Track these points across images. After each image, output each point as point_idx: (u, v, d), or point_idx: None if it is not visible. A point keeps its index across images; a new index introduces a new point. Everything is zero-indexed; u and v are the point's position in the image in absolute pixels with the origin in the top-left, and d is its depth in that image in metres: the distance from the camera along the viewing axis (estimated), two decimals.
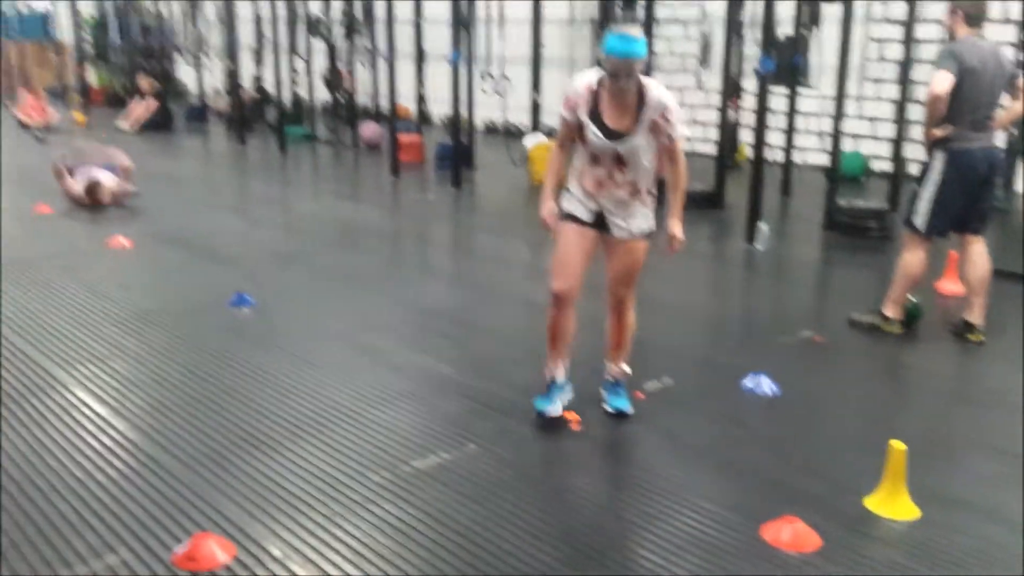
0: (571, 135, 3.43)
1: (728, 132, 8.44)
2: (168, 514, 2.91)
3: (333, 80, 13.13)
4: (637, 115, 3.29)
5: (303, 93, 13.47)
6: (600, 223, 3.48)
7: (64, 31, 19.53)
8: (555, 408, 3.63)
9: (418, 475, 3.21)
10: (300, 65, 13.19)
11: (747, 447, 3.52)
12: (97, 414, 3.68)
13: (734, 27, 8.08)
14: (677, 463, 3.36)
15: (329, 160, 11.68)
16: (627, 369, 3.76)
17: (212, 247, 6.68)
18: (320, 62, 13.15)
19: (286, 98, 13.22)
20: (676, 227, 3.51)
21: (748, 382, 4.05)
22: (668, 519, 2.93)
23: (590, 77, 3.36)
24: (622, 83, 3.22)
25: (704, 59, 10.53)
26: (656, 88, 3.31)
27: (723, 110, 8.05)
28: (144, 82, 15.43)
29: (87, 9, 18.59)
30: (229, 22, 12.57)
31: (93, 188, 7.85)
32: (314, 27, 12.95)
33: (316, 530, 2.84)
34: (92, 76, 18.58)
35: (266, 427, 3.57)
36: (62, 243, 6.74)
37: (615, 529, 2.91)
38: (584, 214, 3.49)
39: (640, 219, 3.47)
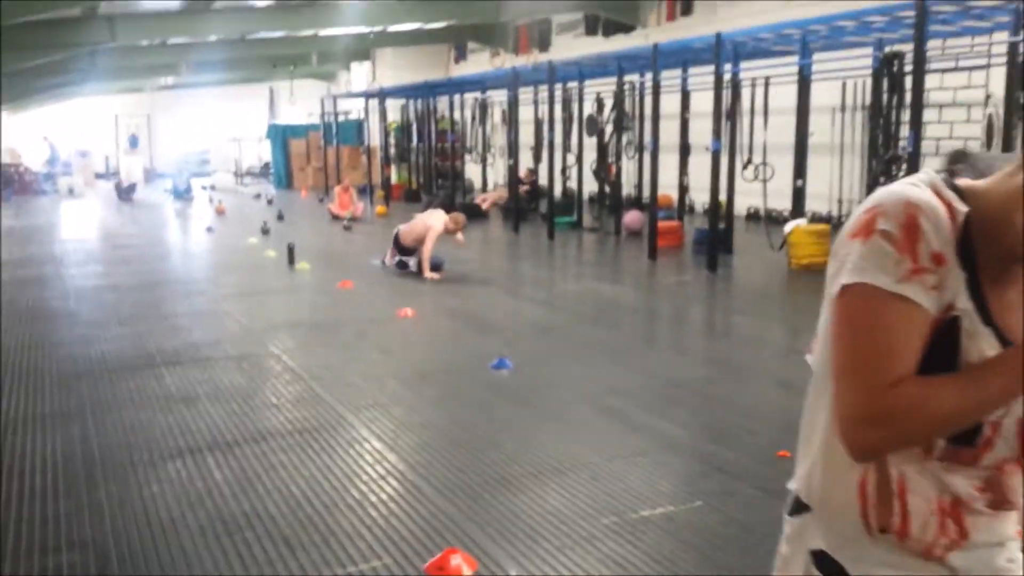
0: (918, 351, 1.16)
1: None
2: (425, 532, 3.37)
3: (601, 172, 13.91)
4: None
5: (572, 185, 14.37)
6: None
7: (373, 136, 22.36)
8: None
9: (644, 522, 3.43)
10: (571, 160, 14.13)
11: None
12: (375, 448, 4.29)
13: (1014, 108, 7.67)
14: None
15: (593, 246, 12.33)
16: None
17: (481, 319, 7.39)
18: (589, 156, 14.01)
19: (557, 191, 14.17)
20: None
21: None
22: None
23: (942, 198, 1.18)
24: None
25: (989, 142, 9.98)
26: None
27: None
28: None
29: (392, 115, 21.23)
30: (513, 123, 13.83)
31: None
32: (591, 125, 13.88)
33: (548, 558, 3.15)
34: (393, 174, 21.04)
35: (512, 470, 3.97)
36: (359, 312, 7.77)
37: None
38: None
39: None
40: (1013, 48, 7.65)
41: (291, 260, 10.45)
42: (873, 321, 1.14)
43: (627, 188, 13.96)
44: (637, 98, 13.65)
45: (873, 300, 1.14)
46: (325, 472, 4.00)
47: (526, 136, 15.12)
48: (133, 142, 30.40)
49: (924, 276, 1.13)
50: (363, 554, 3.21)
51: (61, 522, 3.51)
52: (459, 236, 9.66)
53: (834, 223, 11.66)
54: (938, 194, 1.18)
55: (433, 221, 9.42)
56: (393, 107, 21.40)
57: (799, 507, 1.34)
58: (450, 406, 4.97)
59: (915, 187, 1.18)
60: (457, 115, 18.88)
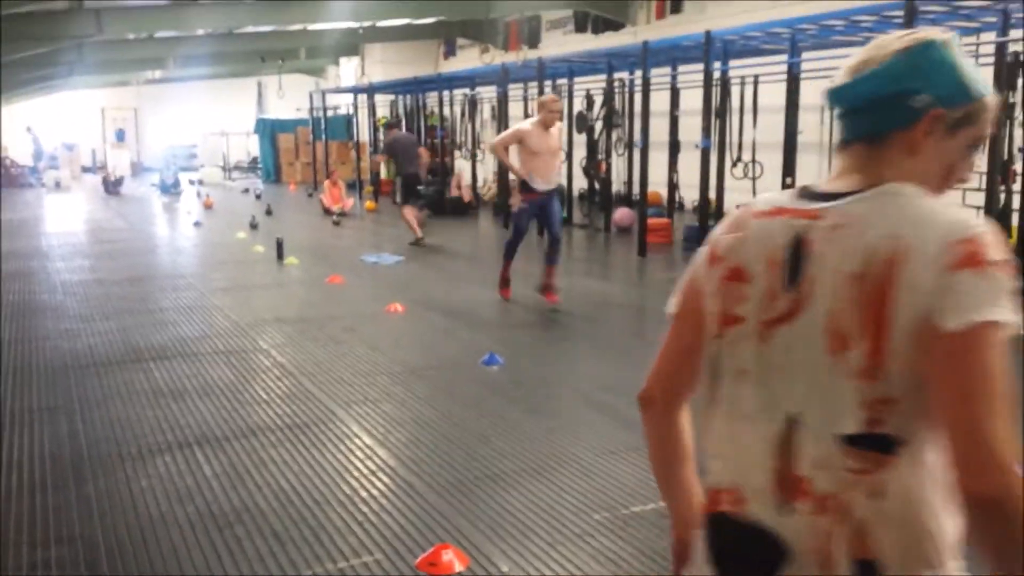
0: None
1: (996, 215, 7.96)
2: (416, 528, 3.37)
3: (591, 169, 13.91)
4: None
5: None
6: None
7: (363, 131, 22.26)
8: None
9: (636, 517, 3.43)
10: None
11: None
12: (366, 444, 4.29)
13: (1003, 108, 7.72)
14: None
15: (582, 242, 12.32)
16: None
17: (470, 314, 7.39)
18: (579, 153, 14.01)
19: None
20: None
21: None
22: None
23: None
24: None
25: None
26: None
27: (989, 192, 7.65)
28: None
29: (381, 111, 21.15)
30: (502, 119, 13.82)
31: None
32: (581, 122, 13.88)
33: (539, 553, 3.16)
34: (383, 170, 20.95)
35: (504, 465, 3.97)
36: (349, 308, 7.75)
37: None
38: None
39: None
40: (1000, 49, 7.68)
41: (280, 255, 10.41)
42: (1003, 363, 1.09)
43: (617, 185, 13.96)
44: (627, 95, 13.65)
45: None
46: (315, 468, 3.99)
47: None
48: (119, 136, 30.17)
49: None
50: (354, 549, 3.21)
51: (50, 516, 3.49)
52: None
53: None
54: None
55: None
56: (382, 103, 21.31)
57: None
58: (440, 402, 4.96)
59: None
60: (447, 111, 18.82)
